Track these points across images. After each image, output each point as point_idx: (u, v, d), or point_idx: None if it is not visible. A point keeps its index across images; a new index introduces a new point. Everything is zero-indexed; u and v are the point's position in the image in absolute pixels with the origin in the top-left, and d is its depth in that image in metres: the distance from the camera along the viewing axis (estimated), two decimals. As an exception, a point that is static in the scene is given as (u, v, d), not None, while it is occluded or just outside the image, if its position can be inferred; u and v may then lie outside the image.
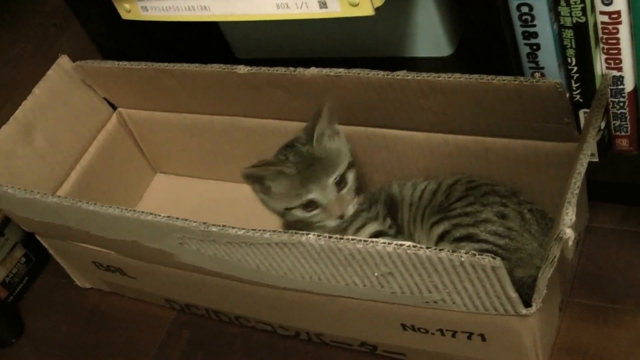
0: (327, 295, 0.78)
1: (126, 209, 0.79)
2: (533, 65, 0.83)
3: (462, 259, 0.64)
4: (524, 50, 0.82)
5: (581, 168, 0.71)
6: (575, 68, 0.82)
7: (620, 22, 0.76)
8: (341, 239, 0.68)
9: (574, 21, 0.77)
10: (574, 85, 0.84)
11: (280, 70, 0.87)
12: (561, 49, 0.81)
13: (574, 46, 0.80)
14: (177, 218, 0.76)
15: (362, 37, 1.06)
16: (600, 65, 0.82)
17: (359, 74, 0.82)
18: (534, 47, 0.81)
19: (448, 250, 0.64)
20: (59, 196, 0.85)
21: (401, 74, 0.80)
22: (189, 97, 1.00)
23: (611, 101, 0.84)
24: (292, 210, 0.85)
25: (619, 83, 0.82)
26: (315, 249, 0.70)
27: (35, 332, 1.08)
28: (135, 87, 1.03)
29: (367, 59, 1.07)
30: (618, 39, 0.78)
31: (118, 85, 1.05)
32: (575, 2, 0.76)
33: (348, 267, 0.71)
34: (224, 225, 0.73)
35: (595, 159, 0.90)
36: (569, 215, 0.66)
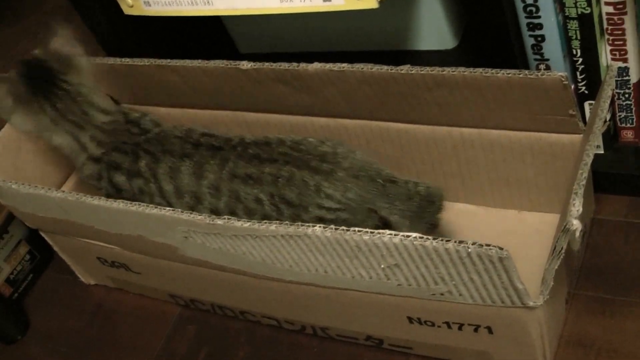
0: (332, 289, 0.78)
1: (130, 203, 0.79)
2: (538, 56, 0.82)
3: (469, 250, 0.63)
4: (529, 41, 0.81)
5: (587, 159, 0.71)
6: (581, 59, 0.82)
7: (625, 13, 0.76)
8: (347, 230, 0.68)
9: (579, 12, 0.77)
10: (579, 77, 0.84)
11: (284, 65, 0.87)
12: (566, 40, 0.81)
13: (579, 37, 0.80)
14: (182, 211, 0.76)
15: (366, 30, 1.05)
16: (605, 56, 0.81)
17: (362, 68, 0.82)
18: (539, 39, 0.80)
19: (455, 241, 0.64)
20: (63, 191, 0.85)
21: (405, 68, 0.80)
22: (192, 92, 1.00)
23: (616, 93, 0.84)
24: None
25: (624, 74, 0.82)
26: (321, 241, 0.70)
27: (41, 328, 1.08)
28: (138, 83, 1.03)
29: (371, 53, 1.06)
30: (623, 29, 0.77)
31: (121, 82, 1.05)
32: (580, -8, 0.76)
33: (354, 259, 0.71)
34: (229, 218, 0.73)
35: (601, 151, 0.90)
36: (576, 206, 0.66)
